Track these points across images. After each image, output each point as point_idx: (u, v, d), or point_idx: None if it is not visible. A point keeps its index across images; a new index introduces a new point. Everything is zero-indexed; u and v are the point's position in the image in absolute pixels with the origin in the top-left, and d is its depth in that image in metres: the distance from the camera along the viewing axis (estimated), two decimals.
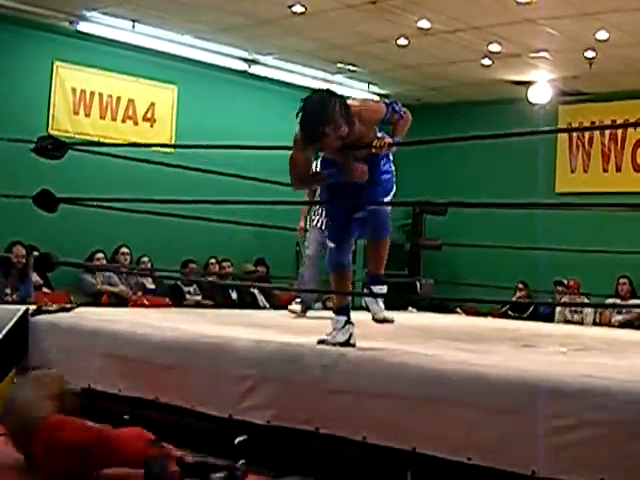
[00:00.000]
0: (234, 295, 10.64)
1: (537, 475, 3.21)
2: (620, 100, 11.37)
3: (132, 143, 9.56)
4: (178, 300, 9.95)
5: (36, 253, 7.82)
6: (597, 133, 11.87)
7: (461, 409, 3.45)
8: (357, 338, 4.25)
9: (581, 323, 10.43)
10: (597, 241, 9.47)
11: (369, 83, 12.44)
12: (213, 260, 10.92)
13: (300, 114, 3.97)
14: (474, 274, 11.15)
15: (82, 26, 9.88)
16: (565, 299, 10.84)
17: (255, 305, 10.46)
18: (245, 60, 11.34)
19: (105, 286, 9.70)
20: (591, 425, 3.14)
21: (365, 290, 4.84)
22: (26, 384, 3.99)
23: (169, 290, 10.27)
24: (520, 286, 11.18)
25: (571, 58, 10.16)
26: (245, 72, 11.51)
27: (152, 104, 10.96)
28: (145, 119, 10.91)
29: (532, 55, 10.34)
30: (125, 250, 10.02)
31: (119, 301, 9.42)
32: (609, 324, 10.27)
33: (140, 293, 9.90)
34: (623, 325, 9.96)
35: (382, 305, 4.55)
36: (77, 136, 9.80)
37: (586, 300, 10.71)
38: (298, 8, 9.09)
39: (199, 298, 10.27)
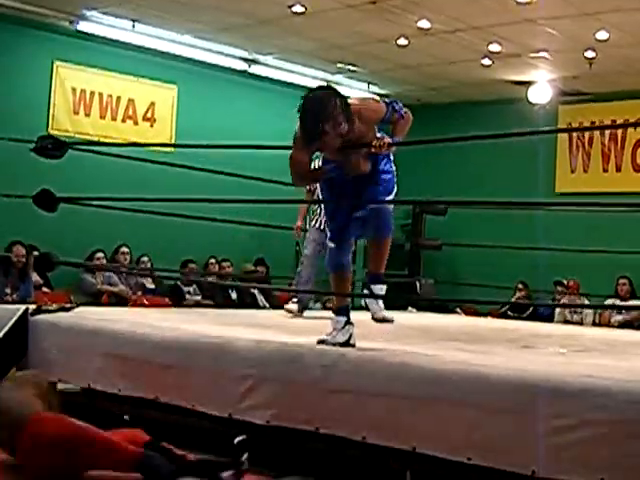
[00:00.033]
0: (234, 295, 10.64)
1: (537, 475, 3.21)
2: (620, 100, 11.37)
3: (132, 143, 9.56)
4: (178, 300, 9.95)
5: (36, 253, 7.81)
6: (597, 133, 11.87)
7: (461, 409, 3.45)
8: (357, 338, 4.24)
9: (581, 323, 10.43)
10: (597, 241, 9.46)
11: (369, 83, 12.44)
12: (213, 260, 10.92)
13: (300, 111, 3.97)
14: (474, 274, 11.15)
15: (82, 26, 9.88)
16: (565, 299, 10.84)
17: (255, 305, 10.45)
18: (245, 60, 11.34)
19: (105, 286, 9.70)
20: (591, 425, 3.14)
21: (365, 289, 4.84)
22: (10, 385, 3.97)
23: (169, 290, 10.27)
24: (520, 286, 11.18)
25: (571, 58, 10.16)
26: (245, 72, 11.52)
27: (152, 104, 10.96)
28: (145, 119, 10.91)
29: (532, 55, 10.34)
30: (125, 250, 10.02)
31: (119, 301, 9.42)
32: (609, 324, 10.27)
33: (140, 293, 9.90)
34: (623, 325, 9.96)
35: (382, 304, 4.55)
36: (77, 136, 9.80)
37: (586, 301, 10.71)
38: (298, 8, 9.09)
39: (199, 298, 10.27)
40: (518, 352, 4.77)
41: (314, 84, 4.68)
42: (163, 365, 4.47)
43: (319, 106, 3.91)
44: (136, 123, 10.83)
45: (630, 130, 11.63)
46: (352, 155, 4.21)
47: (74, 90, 10.25)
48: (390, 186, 4.35)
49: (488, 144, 11.11)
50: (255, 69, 11.54)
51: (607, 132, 11.80)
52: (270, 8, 9.17)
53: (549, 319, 10.49)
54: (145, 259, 10.18)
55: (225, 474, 3.50)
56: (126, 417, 4.63)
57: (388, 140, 4.14)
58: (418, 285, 10.43)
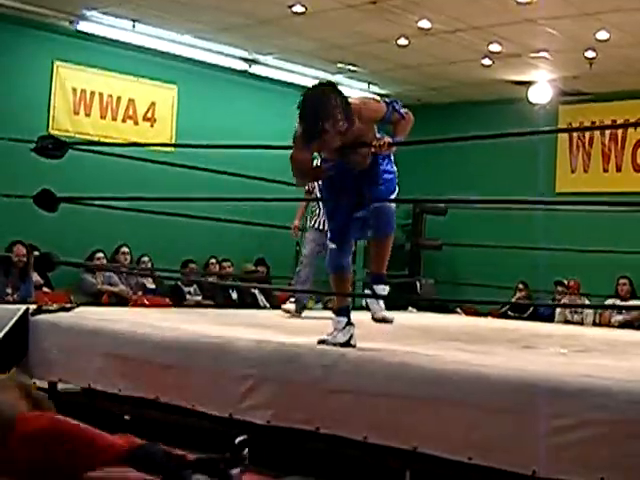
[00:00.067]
0: (234, 295, 10.64)
1: (538, 475, 3.21)
2: (620, 100, 11.37)
3: (132, 143, 9.56)
4: (178, 300, 9.95)
5: (36, 253, 7.82)
6: (597, 133, 11.88)
7: (462, 409, 3.45)
8: (357, 338, 4.24)
9: (581, 323, 10.43)
10: (597, 241, 9.46)
11: (369, 83, 12.44)
12: (213, 260, 10.92)
13: (299, 107, 3.96)
14: (474, 274, 11.16)
15: (82, 26, 9.88)
16: (565, 299, 10.84)
17: (255, 305, 10.45)
18: (245, 60, 11.34)
19: (105, 286, 9.70)
20: (592, 425, 3.14)
21: (366, 289, 4.84)
22: None
23: (169, 290, 10.27)
24: (520, 286, 11.18)
25: (571, 58, 10.16)
26: (245, 72, 11.52)
27: (152, 104, 10.97)
28: (145, 119, 10.92)
29: (532, 55, 10.34)
30: (125, 250, 10.02)
31: (119, 301, 9.42)
32: (609, 324, 10.27)
33: (140, 293, 9.90)
34: (623, 325, 9.96)
35: (382, 305, 4.55)
36: (77, 136, 9.80)
37: (586, 301, 10.71)
38: (298, 8, 9.09)
39: (199, 298, 10.27)
40: (518, 352, 4.77)
41: None
42: (163, 365, 4.47)
43: (319, 104, 3.89)
44: (136, 123, 10.83)
45: (630, 130, 11.64)
46: (352, 155, 4.20)
47: (74, 90, 10.25)
48: (392, 186, 4.34)
49: (488, 144, 11.12)
50: (255, 69, 11.54)
51: (607, 132, 11.80)
52: (270, 8, 9.17)
53: (549, 319, 10.49)
54: (145, 259, 10.19)
55: (234, 471, 3.48)
56: (126, 417, 4.63)
57: (388, 140, 4.13)
58: (418, 285, 10.42)
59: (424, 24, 9.39)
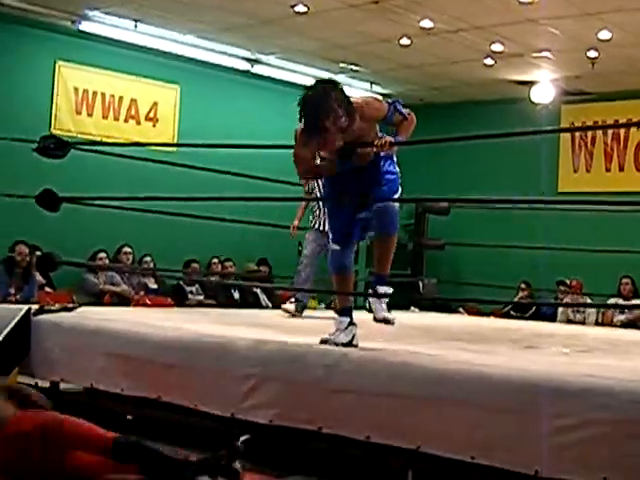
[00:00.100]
0: (236, 295, 10.64)
1: (540, 474, 3.21)
2: (623, 100, 11.36)
3: (134, 143, 9.55)
4: (180, 300, 9.95)
5: (38, 253, 7.82)
6: (600, 133, 11.86)
7: (464, 409, 3.45)
8: (359, 338, 4.24)
9: (583, 323, 10.42)
10: (599, 241, 9.45)
11: (371, 83, 12.44)
12: (215, 260, 10.91)
13: (300, 105, 3.95)
14: (477, 274, 11.15)
15: (84, 26, 9.88)
16: (568, 299, 10.83)
17: (258, 305, 10.46)
18: (248, 60, 11.33)
19: (107, 286, 9.70)
20: (594, 425, 3.13)
21: (369, 290, 4.83)
22: None
23: (171, 290, 10.27)
24: (523, 286, 11.16)
25: (573, 58, 10.15)
26: (247, 72, 11.51)
27: (155, 104, 10.97)
28: (147, 119, 10.92)
29: (535, 55, 10.33)
30: (127, 250, 10.02)
31: (121, 301, 9.42)
32: (611, 324, 10.26)
33: (142, 293, 9.90)
34: (625, 325, 9.95)
35: (385, 306, 4.54)
36: (79, 136, 9.80)
37: (589, 300, 10.69)
38: (301, 8, 9.09)
39: (201, 298, 10.27)
40: (521, 352, 4.77)
41: None
42: (166, 365, 4.47)
43: (319, 101, 3.89)
44: (138, 123, 10.83)
45: (633, 130, 11.62)
46: (353, 155, 4.20)
47: (76, 90, 10.25)
48: (395, 187, 4.33)
49: (491, 144, 11.11)
50: (257, 69, 11.53)
51: (610, 132, 11.79)
52: (272, 8, 9.17)
53: (552, 319, 10.48)
54: (148, 259, 10.19)
55: (237, 465, 3.47)
56: (129, 417, 4.63)
57: (390, 139, 4.12)
58: (421, 285, 10.40)
59: (426, 24, 9.38)
